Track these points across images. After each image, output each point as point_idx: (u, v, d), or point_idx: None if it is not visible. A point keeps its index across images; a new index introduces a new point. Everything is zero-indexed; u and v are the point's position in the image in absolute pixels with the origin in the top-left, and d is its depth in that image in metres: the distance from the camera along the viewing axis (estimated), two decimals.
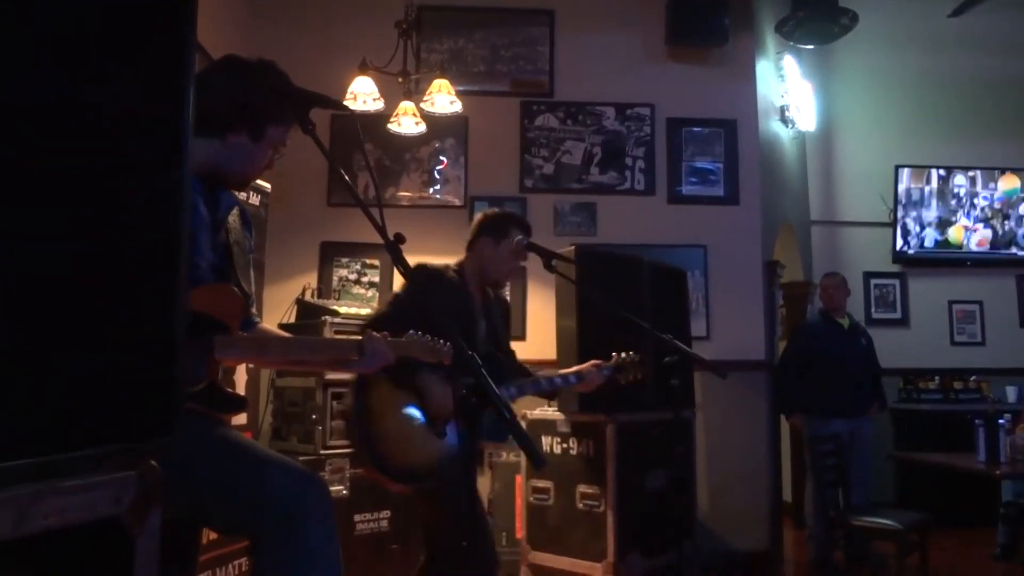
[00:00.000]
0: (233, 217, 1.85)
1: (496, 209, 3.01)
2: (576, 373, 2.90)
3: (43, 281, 0.79)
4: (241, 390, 3.60)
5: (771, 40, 5.79)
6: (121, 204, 0.89)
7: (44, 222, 0.80)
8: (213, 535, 3.26)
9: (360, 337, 1.92)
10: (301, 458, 3.62)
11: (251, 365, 3.71)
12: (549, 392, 2.96)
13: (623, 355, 2.96)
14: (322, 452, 3.66)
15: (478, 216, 2.94)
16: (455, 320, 2.68)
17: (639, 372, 2.97)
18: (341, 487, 3.67)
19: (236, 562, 3.33)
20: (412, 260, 2.03)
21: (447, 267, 2.79)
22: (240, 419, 3.59)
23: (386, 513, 3.78)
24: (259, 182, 3.82)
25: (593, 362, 2.93)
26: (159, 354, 0.94)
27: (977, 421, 4.26)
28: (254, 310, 1.92)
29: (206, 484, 1.54)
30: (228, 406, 1.73)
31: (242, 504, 1.57)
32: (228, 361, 1.72)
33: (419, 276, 2.60)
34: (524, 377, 2.84)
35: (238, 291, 1.73)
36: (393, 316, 2.42)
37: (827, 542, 4.70)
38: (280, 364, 2.09)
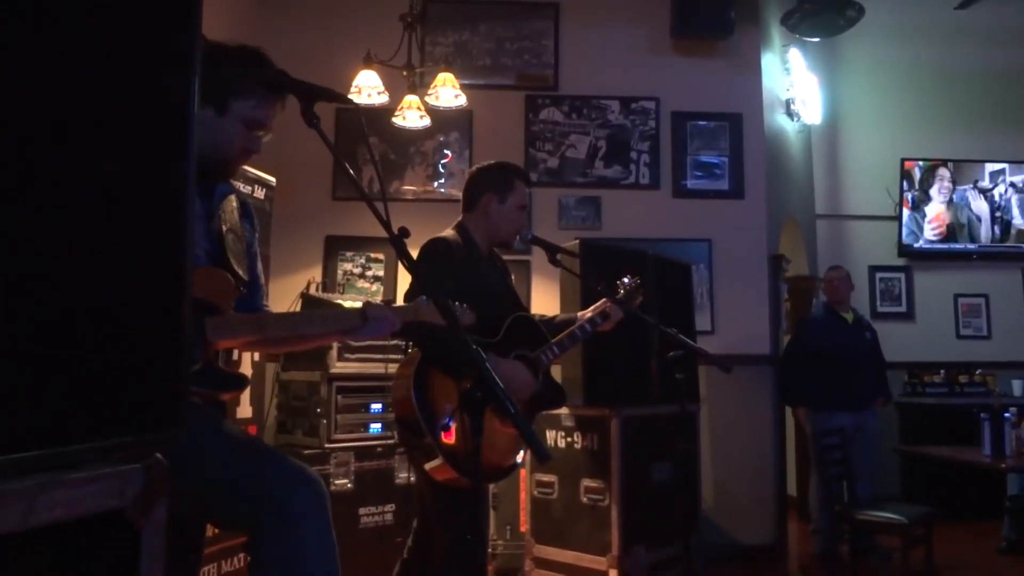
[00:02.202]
0: (231, 207, 1.86)
1: (489, 162, 2.78)
2: (600, 313, 2.79)
3: (49, 273, 0.80)
4: None
5: (777, 33, 5.77)
6: (127, 195, 0.89)
7: (49, 213, 0.80)
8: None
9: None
10: (306, 452, 3.64)
11: (256, 354, 3.72)
12: (581, 341, 2.87)
13: (626, 281, 2.89)
14: (327, 446, 3.67)
15: (473, 172, 2.77)
16: (491, 290, 2.66)
17: (641, 294, 2.90)
18: (346, 480, 3.67)
19: (241, 555, 3.34)
20: (415, 254, 2.03)
21: (454, 235, 2.64)
22: (245, 412, 3.60)
23: (391, 507, 3.79)
24: (264, 175, 3.82)
25: (604, 300, 2.81)
26: (165, 347, 0.95)
27: (983, 415, 4.25)
28: (264, 300, 1.92)
29: (205, 476, 1.54)
30: (227, 384, 1.74)
31: (240, 498, 1.58)
32: (224, 342, 1.71)
33: (437, 249, 2.52)
34: (553, 329, 2.77)
35: (230, 276, 1.74)
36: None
37: (832, 536, 4.69)
38: (281, 344, 2.04)
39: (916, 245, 6.65)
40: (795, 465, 6.07)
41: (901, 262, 6.70)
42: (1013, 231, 6.74)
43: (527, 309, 2.89)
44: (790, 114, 5.87)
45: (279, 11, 5.02)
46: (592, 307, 2.84)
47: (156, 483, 0.92)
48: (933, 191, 6.68)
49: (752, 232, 5.12)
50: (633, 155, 5.13)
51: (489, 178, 2.71)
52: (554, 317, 2.94)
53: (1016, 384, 6.36)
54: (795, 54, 5.93)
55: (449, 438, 2.26)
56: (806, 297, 6.27)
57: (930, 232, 6.67)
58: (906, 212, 6.62)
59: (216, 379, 1.69)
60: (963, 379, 6.44)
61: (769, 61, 5.51)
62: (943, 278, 6.71)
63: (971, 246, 6.70)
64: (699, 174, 5.15)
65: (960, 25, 6.78)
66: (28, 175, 0.77)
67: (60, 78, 0.81)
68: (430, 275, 2.37)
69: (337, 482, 3.64)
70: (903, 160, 6.60)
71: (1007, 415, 4.17)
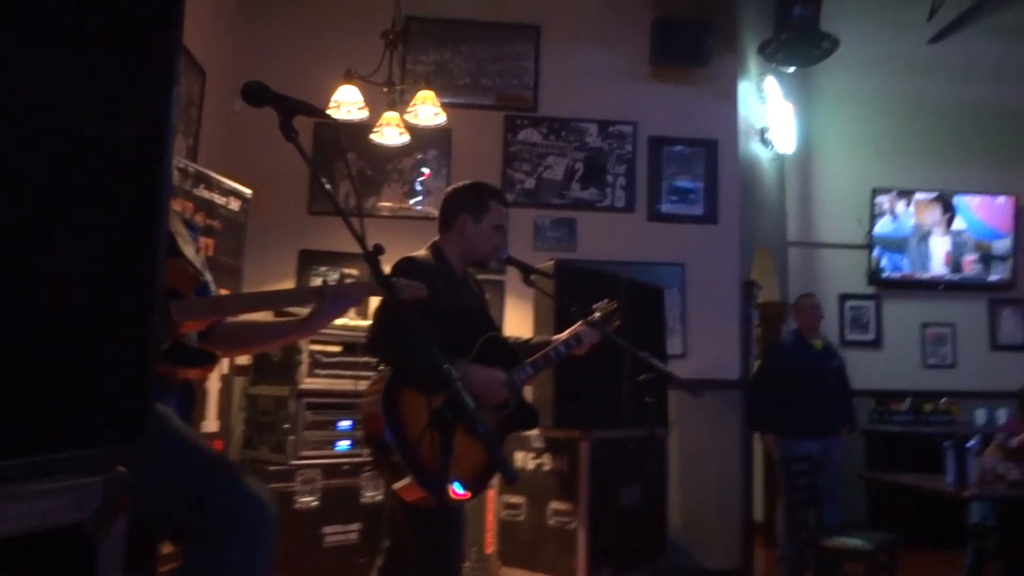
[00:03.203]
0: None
1: (465, 183, 2.79)
2: (574, 336, 2.77)
3: (11, 280, 0.79)
4: (214, 396, 3.57)
5: (753, 62, 5.86)
6: (97, 203, 0.89)
7: (16, 219, 0.79)
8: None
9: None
10: (272, 468, 3.59)
11: (225, 366, 3.68)
12: (555, 363, 2.85)
13: (603, 305, 2.84)
14: (293, 462, 3.63)
15: (449, 192, 2.77)
16: (464, 310, 2.66)
17: (619, 318, 2.89)
18: (311, 498, 3.63)
19: None
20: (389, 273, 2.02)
21: (427, 255, 2.64)
22: (211, 426, 3.55)
23: (356, 526, 3.74)
24: (240, 187, 3.80)
25: (579, 323, 2.79)
26: (131, 357, 0.94)
27: (946, 443, 4.31)
28: (213, 288, 1.97)
29: (162, 480, 1.52)
30: (196, 360, 1.77)
31: (189, 507, 1.58)
32: (189, 324, 1.73)
33: (413, 269, 2.49)
34: (527, 352, 2.75)
35: (188, 266, 1.79)
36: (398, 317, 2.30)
37: (798, 561, 4.71)
38: (248, 339, 2.07)
39: (885, 274, 6.76)
40: (762, 490, 6.11)
41: (871, 291, 6.80)
42: (980, 262, 6.87)
43: (500, 330, 2.89)
44: (764, 142, 5.96)
45: (263, 25, 5.02)
46: (567, 331, 2.85)
47: (116, 497, 0.90)
48: (903, 221, 6.79)
49: (725, 257, 5.17)
50: (609, 178, 5.17)
51: (465, 199, 2.71)
52: (528, 339, 2.94)
53: (979, 413, 6.47)
54: (771, 83, 6.03)
55: (419, 456, 2.25)
56: (777, 323, 6.34)
57: (900, 262, 6.78)
58: (876, 241, 6.73)
59: (185, 355, 1.73)
60: (928, 408, 6.54)
61: (745, 89, 5.60)
62: (911, 307, 6.82)
63: (939, 277, 6.83)
64: (674, 199, 5.20)
65: (931, 59, 6.95)
66: None
67: (35, 80, 0.80)
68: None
69: (302, 500, 3.60)
70: (874, 190, 6.72)
71: (970, 444, 4.24)
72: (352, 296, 1.91)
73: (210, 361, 1.83)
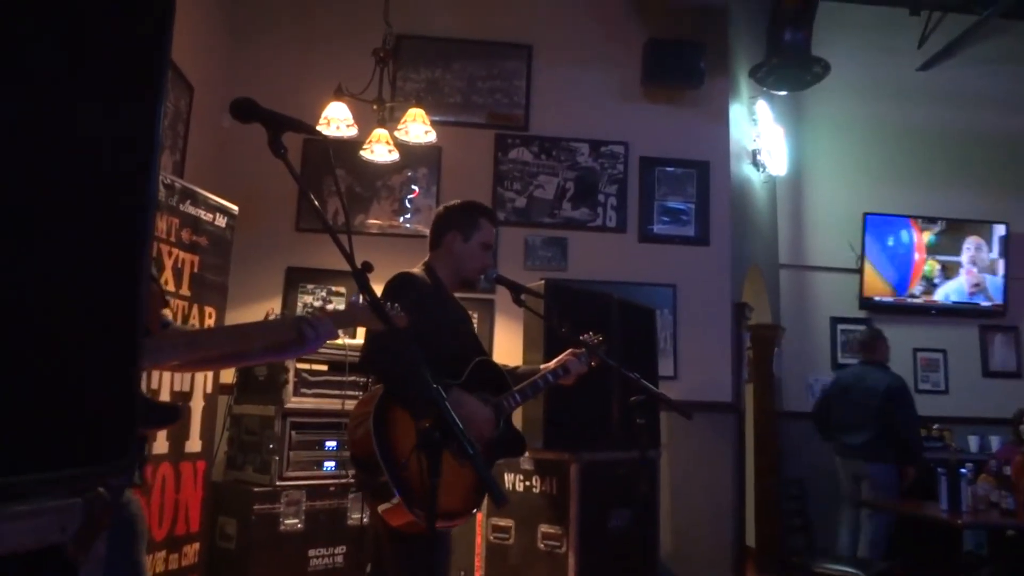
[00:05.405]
0: None
1: (457, 201, 2.82)
2: (562, 366, 2.78)
3: None
4: (197, 415, 3.54)
5: (745, 85, 5.92)
6: (82, 218, 0.88)
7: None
8: (159, 567, 3.19)
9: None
10: (256, 489, 3.56)
11: (208, 387, 3.65)
12: (543, 392, 2.86)
13: (591, 336, 2.86)
14: (278, 483, 3.60)
15: (439, 211, 2.79)
16: (456, 330, 2.66)
17: (606, 349, 2.88)
18: (296, 520, 3.60)
19: None
20: (379, 290, 2.01)
21: (421, 272, 2.65)
22: (195, 446, 3.52)
23: (342, 548, 3.71)
24: (226, 203, 3.79)
25: (570, 351, 2.81)
26: (115, 377, 0.93)
27: (939, 470, 4.31)
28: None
29: None
30: (154, 417, 1.63)
31: None
32: (155, 366, 1.65)
33: (407, 285, 2.50)
34: (515, 379, 2.76)
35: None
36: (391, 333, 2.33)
37: None
38: (212, 362, 1.93)
39: (877, 298, 6.80)
40: (753, 514, 6.09)
41: (862, 314, 6.83)
42: (971, 288, 6.92)
43: (489, 355, 2.89)
44: (756, 164, 6.01)
45: (253, 41, 5.03)
46: (555, 360, 2.86)
47: (96, 518, 0.89)
48: (894, 245, 6.84)
49: (716, 279, 5.19)
50: (601, 198, 5.19)
51: (454, 216, 2.73)
52: (516, 367, 2.95)
53: (972, 440, 6.49)
54: (762, 106, 6.09)
55: (407, 478, 2.23)
56: (768, 345, 6.35)
57: (891, 286, 6.82)
58: (866, 265, 6.77)
59: (149, 414, 1.57)
60: (921, 433, 6.54)
61: (737, 112, 5.65)
62: (903, 332, 6.84)
63: (930, 302, 6.87)
64: (665, 219, 5.23)
65: (921, 85, 7.06)
66: None
67: (19, 97, 0.80)
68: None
69: (287, 521, 3.57)
70: (865, 214, 6.77)
71: (963, 471, 4.24)
72: (333, 331, 1.86)
73: (172, 419, 1.71)
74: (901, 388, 5.15)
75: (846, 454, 5.21)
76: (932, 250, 6.91)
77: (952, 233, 6.94)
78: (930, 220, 6.90)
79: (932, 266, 6.91)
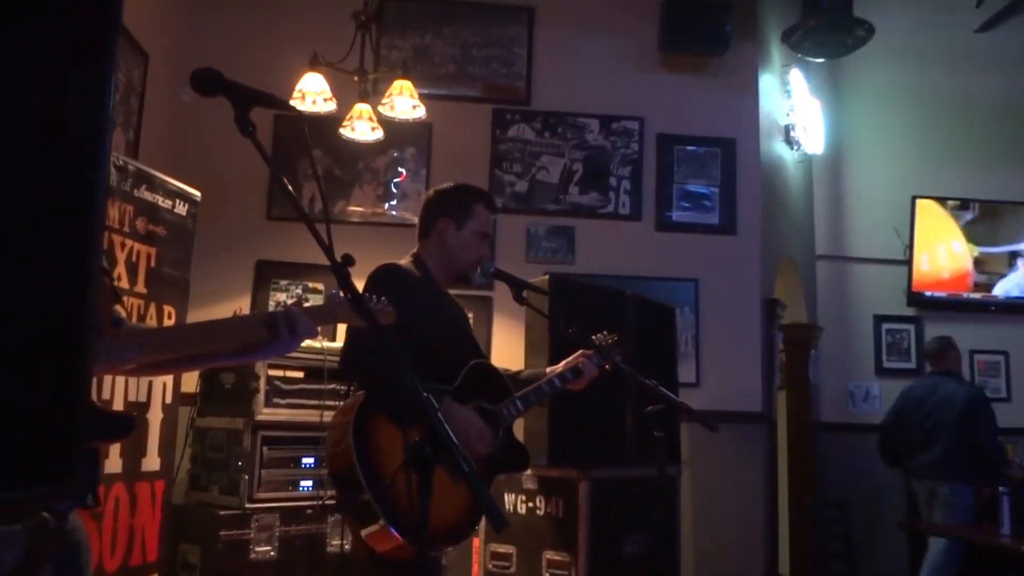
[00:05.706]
0: None
1: (449, 184, 2.80)
2: (572, 369, 2.79)
3: None
4: (155, 429, 3.55)
5: (776, 51, 5.91)
6: (20, 205, 0.88)
7: None
8: None
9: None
10: (223, 512, 3.56)
11: (167, 396, 3.66)
12: (548, 398, 2.87)
13: (603, 336, 2.86)
14: (248, 506, 3.60)
15: (429, 195, 2.78)
16: (448, 330, 2.65)
17: (622, 351, 2.87)
18: (269, 547, 3.61)
19: None
20: (361, 285, 2.01)
21: (409, 263, 2.65)
22: (152, 464, 3.52)
23: None
24: (187, 188, 3.79)
25: (581, 352, 2.81)
26: (59, 386, 0.93)
27: (1001, 489, 4.30)
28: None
29: None
30: (106, 429, 1.59)
31: None
32: (106, 370, 1.64)
33: (392, 278, 2.50)
34: (517, 385, 2.77)
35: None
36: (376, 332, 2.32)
37: None
38: (173, 366, 1.92)
39: (928, 294, 6.78)
40: (788, 539, 6.09)
41: (911, 312, 6.82)
42: None
43: (487, 358, 2.89)
44: (789, 142, 6.00)
45: (215, 4, 5.03)
46: (564, 361, 2.85)
47: (39, 547, 0.89)
48: (946, 233, 6.83)
49: (744, 273, 5.19)
50: (612, 181, 5.19)
51: (446, 202, 2.73)
52: (519, 372, 2.95)
53: None
54: (796, 75, 6.08)
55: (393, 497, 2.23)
56: (803, 348, 6.35)
57: (944, 279, 6.81)
58: (917, 255, 6.76)
59: (100, 425, 1.55)
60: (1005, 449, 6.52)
61: (767, 82, 5.65)
62: (957, 332, 6.82)
63: (990, 297, 6.85)
64: (686, 205, 5.23)
65: (980, 49, 7.00)
66: None
67: None
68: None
69: (259, 549, 3.57)
70: (914, 197, 6.75)
71: None
72: (312, 328, 1.86)
73: (127, 430, 1.69)
74: (982, 400, 5.21)
75: (921, 474, 5.22)
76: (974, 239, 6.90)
77: (1015, 217, 6.92)
78: (989, 203, 6.88)
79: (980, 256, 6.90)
